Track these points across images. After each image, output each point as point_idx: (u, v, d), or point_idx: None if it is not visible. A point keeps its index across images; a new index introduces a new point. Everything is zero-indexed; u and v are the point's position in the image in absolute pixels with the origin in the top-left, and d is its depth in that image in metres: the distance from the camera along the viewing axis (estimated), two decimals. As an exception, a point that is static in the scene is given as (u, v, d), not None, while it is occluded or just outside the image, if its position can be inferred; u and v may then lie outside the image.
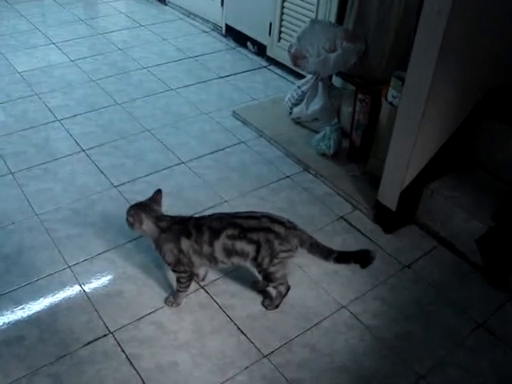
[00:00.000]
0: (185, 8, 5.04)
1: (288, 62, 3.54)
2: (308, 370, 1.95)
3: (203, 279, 2.26)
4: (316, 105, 3.22)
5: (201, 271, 2.22)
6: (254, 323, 2.10)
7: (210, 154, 3.08)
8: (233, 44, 4.50)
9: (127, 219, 1.99)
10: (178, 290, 2.12)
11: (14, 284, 2.20)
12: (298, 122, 3.35)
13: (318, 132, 3.15)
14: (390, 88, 2.59)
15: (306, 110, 3.26)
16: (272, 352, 2.00)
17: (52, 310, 2.11)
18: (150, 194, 2.09)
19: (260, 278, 2.10)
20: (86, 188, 2.75)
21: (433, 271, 2.40)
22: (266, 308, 2.16)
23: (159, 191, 2.09)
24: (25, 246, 2.38)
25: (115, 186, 2.77)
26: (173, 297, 2.16)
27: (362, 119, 2.86)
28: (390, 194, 2.55)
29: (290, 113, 3.37)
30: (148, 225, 1.99)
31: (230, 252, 1.99)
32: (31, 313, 2.09)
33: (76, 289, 2.20)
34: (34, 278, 2.23)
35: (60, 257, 2.34)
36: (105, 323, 2.07)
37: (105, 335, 2.02)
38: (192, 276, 2.09)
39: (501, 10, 2.24)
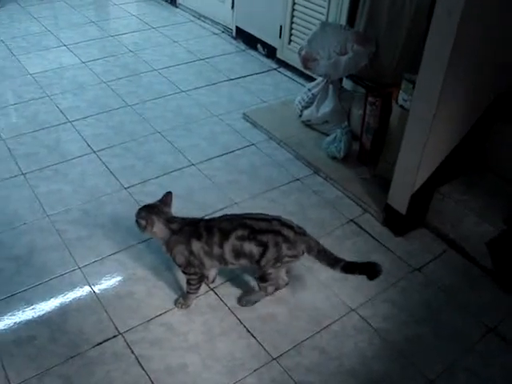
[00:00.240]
0: (195, 10, 5.06)
1: (298, 65, 3.54)
2: (317, 373, 1.95)
3: (213, 281, 2.26)
4: (326, 107, 3.22)
5: (211, 273, 2.22)
6: (264, 326, 2.10)
7: (220, 156, 3.09)
8: (243, 46, 4.50)
9: (138, 221, 2.00)
10: (188, 292, 2.13)
11: (25, 284, 2.21)
12: (308, 124, 3.34)
13: (328, 135, 3.14)
14: (400, 91, 2.58)
15: (316, 112, 3.25)
16: (281, 355, 2.00)
17: (62, 311, 2.12)
18: (160, 195, 2.10)
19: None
20: (97, 189, 2.77)
21: (443, 275, 2.38)
22: (244, 305, 2.16)
23: (169, 193, 2.09)
24: (36, 247, 2.39)
25: (125, 188, 2.79)
26: (183, 298, 2.16)
27: (373, 122, 2.85)
28: (400, 198, 2.54)
29: (300, 115, 3.37)
30: (159, 227, 2.00)
31: (238, 253, 1.99)
32: (42, 313, 2.11)
33: (86, 290, 2.22)
34: (45, 278, 2.25)
35: (70, 258, 2.35)
36: (114, 324, 2.07)
37: (114, 336, 2.03)
38: (202, 278, 2.10)
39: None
